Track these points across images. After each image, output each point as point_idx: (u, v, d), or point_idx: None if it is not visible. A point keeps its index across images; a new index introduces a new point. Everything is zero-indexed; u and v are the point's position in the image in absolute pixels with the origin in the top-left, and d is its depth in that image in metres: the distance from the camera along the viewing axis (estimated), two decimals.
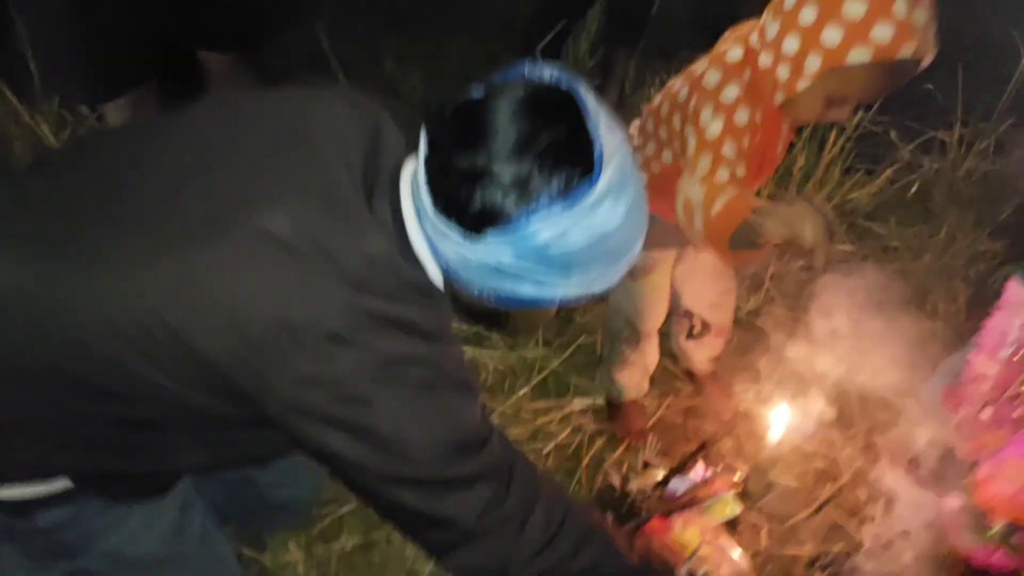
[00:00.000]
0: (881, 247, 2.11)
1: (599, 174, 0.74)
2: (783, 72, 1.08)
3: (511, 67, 0.80)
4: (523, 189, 0.73)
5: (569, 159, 0.74)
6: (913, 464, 1.50)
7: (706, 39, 2.70)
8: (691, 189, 1.11)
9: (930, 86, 2.14)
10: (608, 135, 0.76)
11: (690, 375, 1.80)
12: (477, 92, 0.78)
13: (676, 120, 1.21)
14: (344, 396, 0.79)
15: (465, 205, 0.75)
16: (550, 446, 1.73)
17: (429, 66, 2.81)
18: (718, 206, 1.07)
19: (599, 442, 1.74)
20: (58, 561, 1.16)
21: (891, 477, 1.50)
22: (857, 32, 1.01)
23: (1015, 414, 1.30)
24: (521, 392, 1.84)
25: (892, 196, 2.20)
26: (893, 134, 2.19)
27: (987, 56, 2.08)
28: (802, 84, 1.08)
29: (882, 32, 1.00)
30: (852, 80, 1.05)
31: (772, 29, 1.09)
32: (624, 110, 2.60)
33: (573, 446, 1.74)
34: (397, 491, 0.86)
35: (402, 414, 0.81)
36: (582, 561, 0.96)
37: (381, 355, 0.79)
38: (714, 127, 1.11)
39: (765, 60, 1.10)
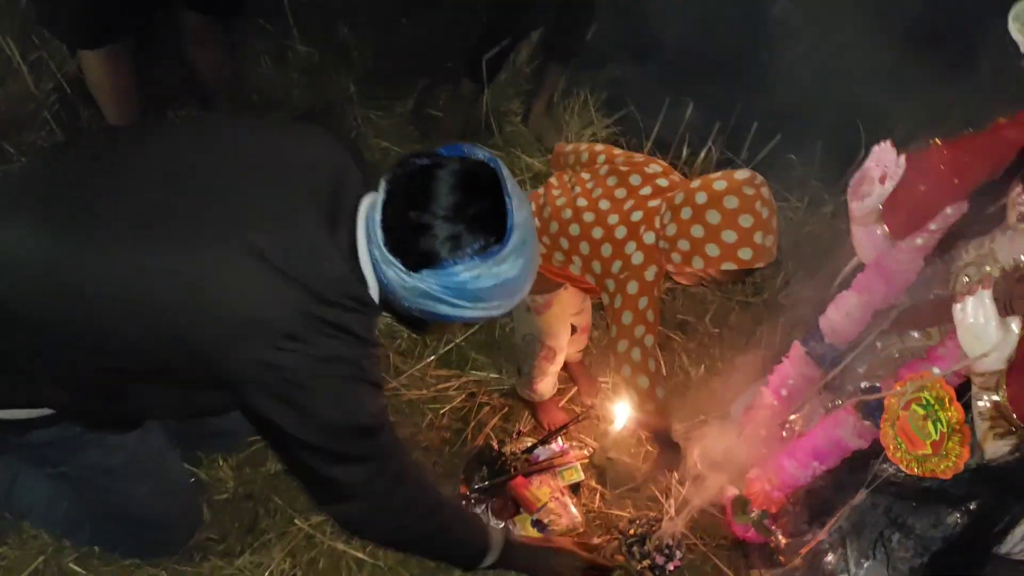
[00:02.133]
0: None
1: (508, 240, 1.04)
2: (676, 258, 1.50)
3: (454, 145, 1.10)
4: (454, 244, 1.03)
5: (489, 226, 1.04)
6: (711, 458, 2.00)
7: (631, 61, 3.05)
8: (637, 378, 1.59)
9: (792, 156, 2.63)
10: (518, 209, 1.07)
11: (564, 366, 2.22)
12: (426, 160, 1.07)
13: (596, 265, 1.58)
14: (288, 379, 1.07)
15: (410, 249, 1.05)
16: (446, 408, 2.12)
17: (383, 42, 3.02)
18: (658, 396, 1.61)
19: (485, 409, 2.13)
20: (43, 467, 1.44)
21: (696, 464, 2.00)
22: (729, 251, 1.44)
23: (783, 436, 1.81)
24: (428, 359, 2.21)
25: None
26: None
27: (840, 139, 2.59)
28: (687, 270, 1.52)
29: (745, 253, 1.44)
30: (720, 275, 1.51)
31: (671, 229, 1.49)
32: (551, 114, 2.94)
33: (464, 410, 2.14)
34: (302, 452, 1.16)
35: (326, 398, 1.11)
36: (420, 529, 1.31)
37: (322, 352, 1.08)
38: (642, 302, 1.53)
39: (664, 246, 1.51)
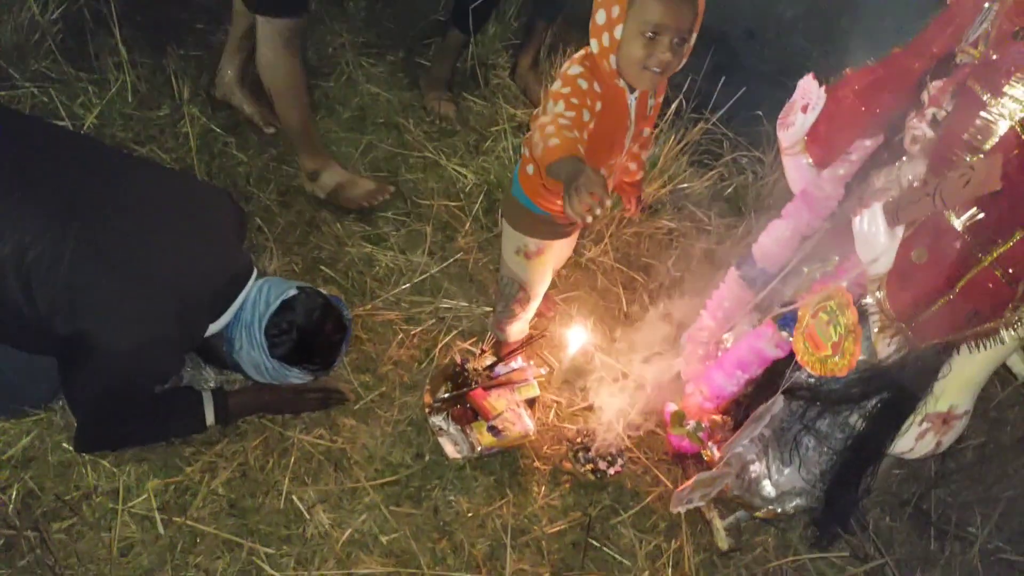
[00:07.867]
0: (696, 228, 2.75)
1: (326, 373, 1.87)
2: (605, 40, 1.42)
3: (338, 298, 1.87)
4: (305, 360, 1.78)
5: (326, 360, 1.82)
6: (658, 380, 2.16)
7: None
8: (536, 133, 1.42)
9: (760, 113, 2.76)
10: (344, 354, 1.87)
11: None
12: (320, 300, 1.79)
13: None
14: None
15: (279, 349, 1.74)
16: (418, 329, 2.29)
17: None
18: (552, 141, 1.34)
19: (453, 333, 2.31)
20: None
21: (640, 385, 2.16)
22: None
23: (716, 353, 1.96)
24: (404, 286, 2.38)
25: (717, 190, 2.84)
26: (726, 144, 2.83)
27: None
28: (617, 32, 1.39)
29: None
30: (647, 7, 1.36)
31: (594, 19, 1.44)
32: (537, 70, 3.08)
33: (434, 333, 2.31)
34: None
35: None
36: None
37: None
38: (555, 85, 1.47)
39: (593, 46, 1.45)
